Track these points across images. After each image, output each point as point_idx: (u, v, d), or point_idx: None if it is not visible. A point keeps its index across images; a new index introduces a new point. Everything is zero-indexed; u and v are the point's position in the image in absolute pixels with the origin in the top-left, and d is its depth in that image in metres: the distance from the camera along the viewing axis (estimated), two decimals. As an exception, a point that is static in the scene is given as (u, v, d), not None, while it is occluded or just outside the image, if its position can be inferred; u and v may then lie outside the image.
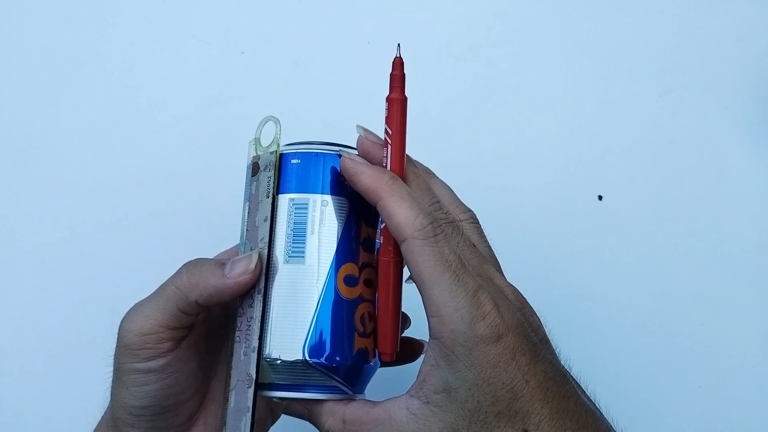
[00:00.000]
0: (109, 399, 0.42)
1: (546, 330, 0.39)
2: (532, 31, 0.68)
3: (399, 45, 0.40)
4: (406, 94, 0.40)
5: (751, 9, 0.68)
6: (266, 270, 0.39)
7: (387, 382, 0.43)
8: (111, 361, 0.41)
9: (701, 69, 0.67)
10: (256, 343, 0.38)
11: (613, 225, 0.63)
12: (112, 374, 0.41)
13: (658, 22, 0.68)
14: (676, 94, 0.66)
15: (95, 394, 0.58)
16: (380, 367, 0.41)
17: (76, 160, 0.64)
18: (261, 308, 0.39)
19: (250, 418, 0.38)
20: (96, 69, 0.66)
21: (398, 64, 0.40)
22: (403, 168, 0.40)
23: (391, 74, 0.40)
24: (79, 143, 0.64)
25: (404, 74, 0.40)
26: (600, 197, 0.64)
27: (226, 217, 0.62)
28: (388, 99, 0.40)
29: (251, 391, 0.38)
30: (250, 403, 0.38)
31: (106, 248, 0.62)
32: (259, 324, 0.39)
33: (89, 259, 0.61)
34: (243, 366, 0.39)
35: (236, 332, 0.40)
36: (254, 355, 0.38)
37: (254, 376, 0.38)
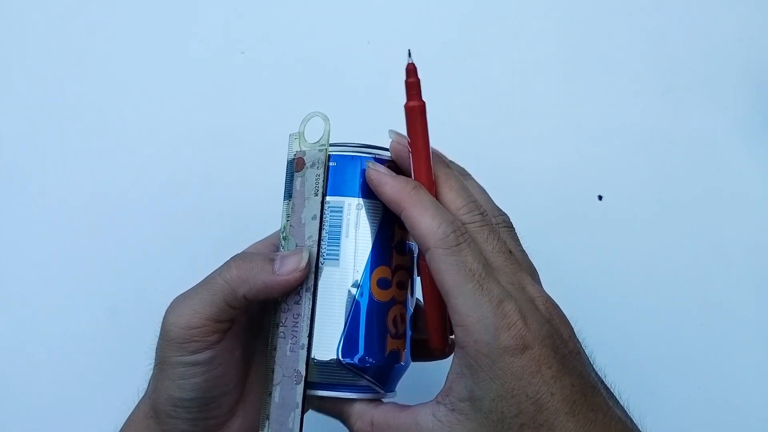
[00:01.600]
0: (145, 390, 0.42)
1: (581, 339, 0.39)
2: (533, 30, 0.68)
3: (410, 51, 0.39)
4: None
5: (751, 9, 0.68)
6: (315, 268, 0.40)
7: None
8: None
9: (701, 69, 0.67)
10: (305, 341, 0.39)
11: (613, 225, 0.63)
12: (152, 368, 0.41)
13: (658, 22, 0.68)
14: (676, 94, 0.66)
15: (94, 392, 0.59)
16: (436, 360, 0.42)
17: (74, 160, 0.64)
18: (311, 306, 0.39)
19: (300, 414, 0.39)
20: (96, 68, 0.66)
21: (412, 71, 0.39)
22: (430, 174, 0.39)
23: (406, 82, 0.39)
24: (77, 143, 0.64)
25: (419, 80, 0.39)
26: (600, 197, 0.64)
27: (226, 216, 0.62)
28: (405, 108, 0.39)
29: (300, 387, 0.39)
30: (299, 400, 0.39)
31: (105, 248, 0.62)
32: (309, 322, 0.39)
33: (89, 259, 0.61)
34: (290, 362, 0.39)
35: (280, 327, 0.40)
36: (303, 353, 0.39)
37: (303, 374, 0.39)
